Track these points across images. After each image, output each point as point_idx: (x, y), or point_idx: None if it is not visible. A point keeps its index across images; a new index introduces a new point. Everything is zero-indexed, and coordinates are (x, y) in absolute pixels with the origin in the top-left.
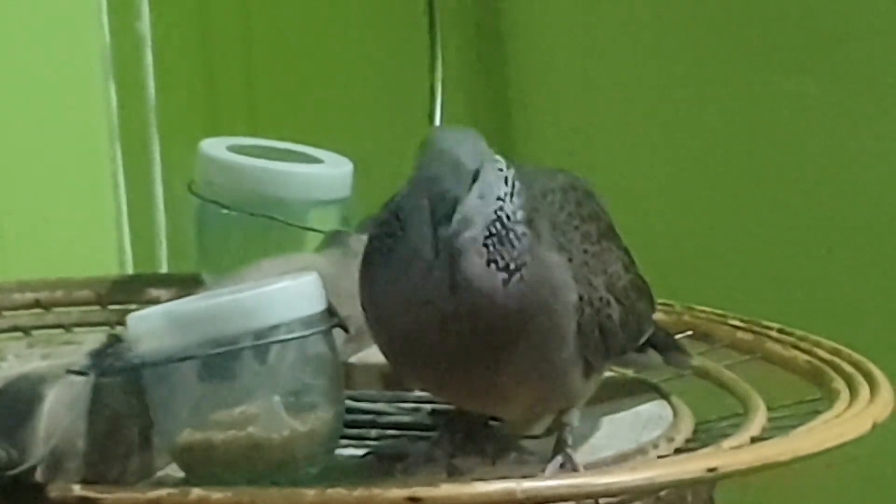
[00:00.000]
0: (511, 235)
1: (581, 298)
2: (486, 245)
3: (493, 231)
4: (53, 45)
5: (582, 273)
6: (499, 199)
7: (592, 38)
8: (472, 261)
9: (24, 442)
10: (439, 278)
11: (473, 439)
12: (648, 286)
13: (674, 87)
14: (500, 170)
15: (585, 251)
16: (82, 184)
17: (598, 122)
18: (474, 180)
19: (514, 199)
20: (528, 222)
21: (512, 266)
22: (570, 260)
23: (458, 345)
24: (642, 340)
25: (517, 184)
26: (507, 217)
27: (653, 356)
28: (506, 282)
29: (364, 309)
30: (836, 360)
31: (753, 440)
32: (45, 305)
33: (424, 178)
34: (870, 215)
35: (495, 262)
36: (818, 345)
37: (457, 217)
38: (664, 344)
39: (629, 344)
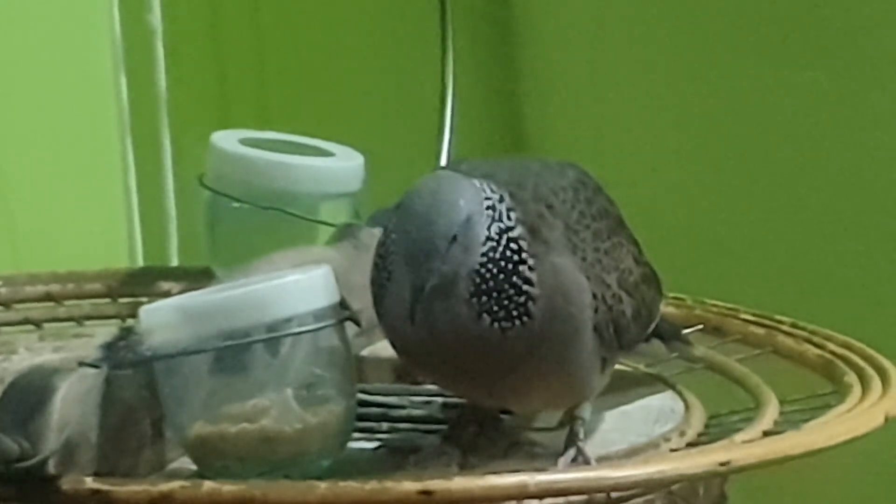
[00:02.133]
0: (515, 278)
1: (595, 297)
2: (476, 296)
3: (486, 277)
4: (64, 38)
5: (595, 272)
6: (487, 240)
7: (604, 32)
8: (456, 316)
9: (36, 434)
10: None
11: (485, 433)
12: (656, 273)
13: (685, 81)
14: (490, 208)
15: (597, 249)
16: (93, 177)
17: (610, 116)
18: (455, 240)
19: (515, 230)
20: (533, 232)
21: (514, 312)
22: (583, 259)
23: (470, 368)
24: (652, 328)
25: (513, 198)
26: (507, 259)
27: (656, 346)
28: (505, 330)
29: (375, 309)
30: (848, 353)
31: (765, 434)
32: (57, 298)
33: (400, 245)
34: (882, 209)
35: (489, 312)
36: (830, 339)
37: (428, 287)
38: (668, 333)
39: (640, 335)
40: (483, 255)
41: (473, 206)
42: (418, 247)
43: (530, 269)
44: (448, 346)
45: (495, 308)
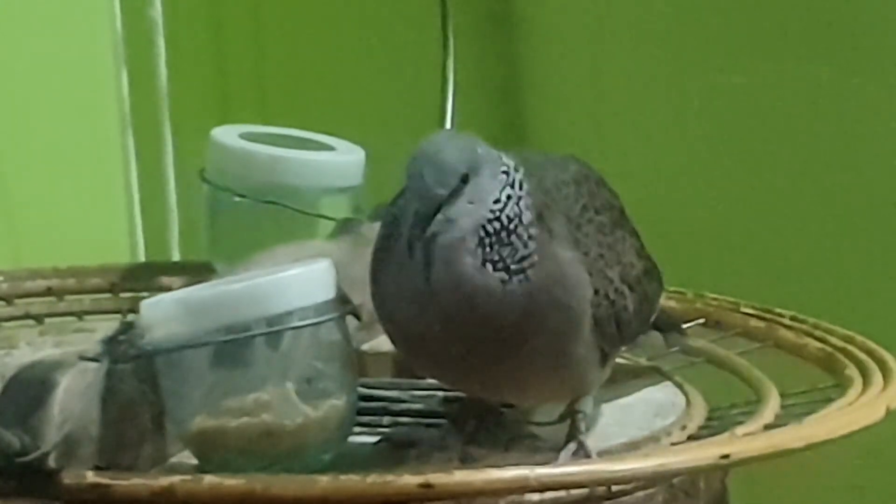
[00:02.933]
0: (514, 238)
1: (597, 293)
2: (480, 246)
3: (490, 232)
4: (65, 33)
5: (598, 267)
6: (496, 201)
7: (604, 26)
8: (461, 262)
9: (37, 428)
10: (423, 280)
11: (486, 426)
12: (656, 265)
13: (686, 75)
14: (505, 173)
15: (600, 244)
16: (94, 172)
17: (610, 110)
18: (464, 182)
19: (522, 200)
20: (540, 220)
21: (513, 267)
22: (586, 254)
23: (464, 342)
24: (652, 320)
25: (526, 183)
26: (510, 220)
27: (654, 336)
28: (505, 282)
29: (373, 303)
30: (849, 347)
31: (766, 427)
32: (58, 293)
33: (408, 180)
34: (883, 203)
35: (492, 262)
36: (831, 332)
37: (437, 219)
38: (665, 325)
39: (641, 328)
40: (492, 211)
41: (488, 161)
42: (427, 177)
43: (530, 237)
44: (445, 297)
45: (496, 258)
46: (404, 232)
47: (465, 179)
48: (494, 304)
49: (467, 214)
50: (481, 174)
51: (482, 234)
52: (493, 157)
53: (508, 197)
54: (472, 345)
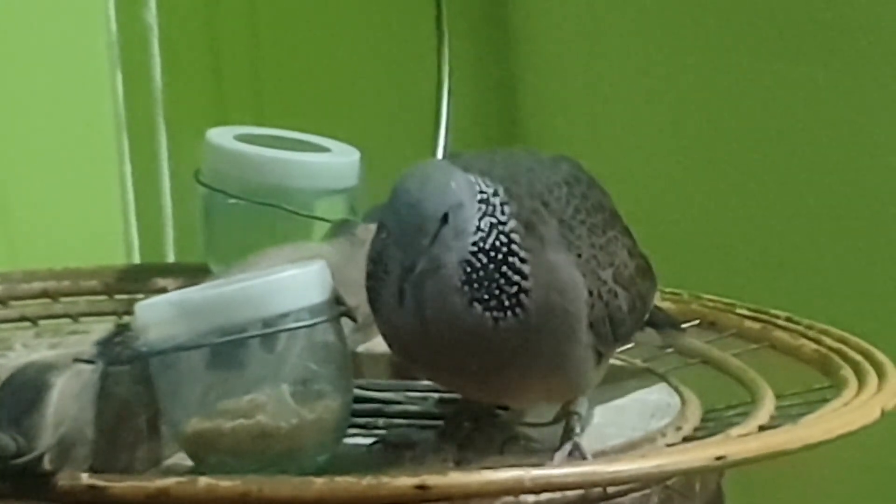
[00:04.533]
0: (505, 268)
1: (591, 294)
2: (467, 283)
3: (476, 266)
4: (60, 34)
5: (591, 268)
6: (477, 230)
7: (599, 25)
8: (450, 302)
9: (32, 430)
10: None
11: (481, 428)
12: (650, 263)
13: (681, 75)
14: (482, 201)
15: (593, 245)
16: (89, 173)
17: (605, 110)
18: (445, 222)
19: (507, 225)
20: (529, 227)
21: (507, 303)
22: (579, 256)
23: (462, 358)
24: (646, 318)
25: (508, 194)
26: (496, 249)
27: (650, 333)
28: (498, 320)
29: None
30: (844, 348)
31: (761, 428)
32: (53, 295)
33: (389, 228)
34: (878, 204)
35: (480, 300)
36: (826, 333)
37: (422, 263)
38: (661, 322)
39: (636, 327)
40: (474, 244)
41: (465, 195)
42: (408, 226)
43: (521, 260)
44: (440, 336)
45: (486, 297)
46: (392, 281)
47: (445, 219)
48: (487, 339)
49: (451, 251)
50: (462, 208)
51: (468, 269)
52: (470, 188)
53: (491, 225)
54: (468, 365)
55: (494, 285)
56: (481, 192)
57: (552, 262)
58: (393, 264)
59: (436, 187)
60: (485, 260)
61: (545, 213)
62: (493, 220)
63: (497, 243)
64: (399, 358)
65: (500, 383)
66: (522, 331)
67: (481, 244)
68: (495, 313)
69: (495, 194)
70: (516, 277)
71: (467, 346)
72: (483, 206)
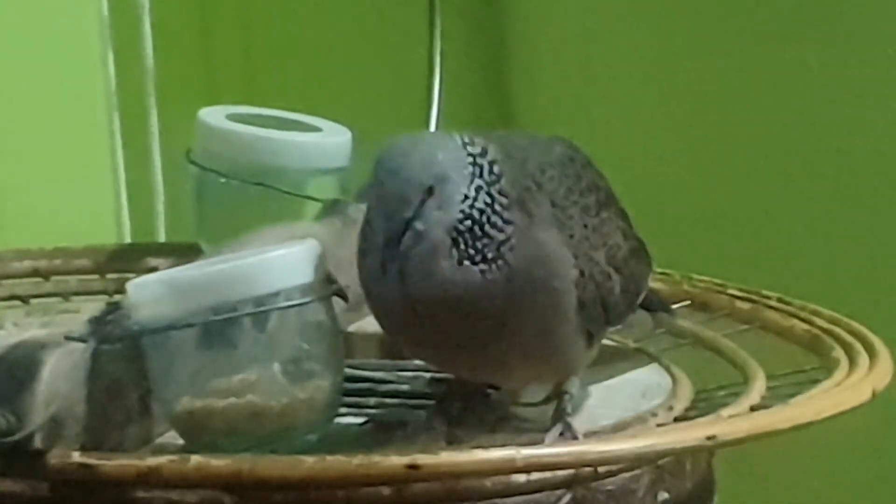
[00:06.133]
0: (488, 228)
1: (583, 275)
2: (455, 246)
3: (463, 230)
4: (51, 15)
5: (583, 249)
6: (465, 198)
7: (592, 5)
8: (437, 267)
9: (23, 409)
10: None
11: (473, 407)
12: (645, 245)
13: (674, 56)
14: (472, 164)
15: (586, 226)
16: (81, 153)
17: (597, 92)
18: (430, 194)
19: (495, 185)
20: (520, 203)
21: (490, 255)
22: (571, 236)
23: (450, 337)
24: (640, 300)
25: (501, 166)
26: (482, 212)
27: (642, 317)
28: (484, 272)
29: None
30: (835, 329)
31: (752, 409)
32: (44, 274)
33: (373, 198)
34: (869, 185)
35: (469, 258)
36: (817, 314)
37: (406, 236)
38: (654, 304)
39: (628, 309)
40: (461, 212)
41: (452, 164)
42: (391, 197)
43: (504, 220)
44: (425, 305)
45: (472, 252)
46: (376, 253)
47: (430, 192)
48: (476, 296)
49: (437, 222)
50: (448, 180)
51: (455, 234)
52: (458, 156)
53: (478, 188)
54: (457, 338)
55: (480, 243)
56: (470, 154)
57: (540, 238)
58: (376, 236)
59: (422, 158)
60: (470, 223)
61: (537, 192)
62: (481, 183)
63: (482, 205)
64: (389, 335)
65: (490, 360)
66: (508, 288)
67: (468, 210)
68: (481, 265)
69: (483, 154)
70: (496, 233)
71: (452, 309)
72: (472, 170)
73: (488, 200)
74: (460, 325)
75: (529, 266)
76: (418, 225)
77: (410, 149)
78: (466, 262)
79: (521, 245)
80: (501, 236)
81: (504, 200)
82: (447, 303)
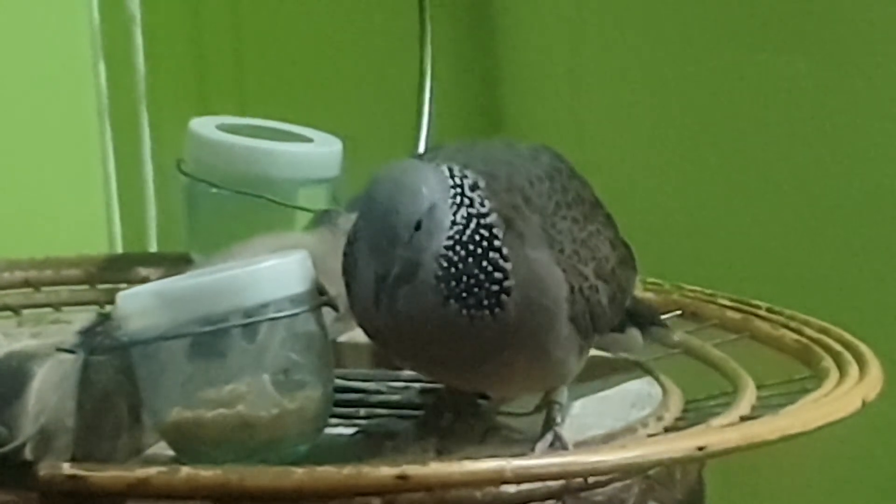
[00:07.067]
0: (485, 263)
1: (573, 290)
2: (443, 281)
3: (454, 260)
4: (43, 24)
5: (572, 264)
6: (453, 224)
7: (582, 16)
8: (424, 302)
9: (12, 420)
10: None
11: (462, 418)
12: (630, 249)
13: (664, 66)
14: (459, 192)
15: (574, 240)
16: (72, 163)
17: (588, 101)
18: (418, 228)
19: (488, 217)
20: (508, 223)
21: (486, 302)
22: (561, 251)
23: (443, 356)
24: (627, 303)
25: (486, 190)
26: (477, 243)
27: (634, 335)
28: (475, 318)
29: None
30: (825, 338)
31: (742, 419)
32: (35, 284)
33: (364, 237)
34: (859, 194)
35: (457, 297)
36: (807, 324)
37: (396, 270)
38: (645, 318)
39: (616, 317)
40: (449, 238)
41: (437, 194)
42: (381, 235)
43: (503, 258)
44: (415, 333)
45: (464, 294)
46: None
47: (419, 226)
48: (463, 340)
49: (425, 251)
50: (435, 209)
51: (444, 263)
52: (443, 184)
53: (468, 217)
54: (449, 362)
55: (473, 281)
56: (454, 186)
57: (532, 258)
58: (367, 271)
59: (408, 194)
60: (463, 253)
61: (525, 209)
62: (473, 212)
63: (476, 237)
64: (378, 347)
65: (480, 375)
66: (500, 329)
67: (458, 237)
68: (473, 311)
69: (474, 187)
70: (498, 275)
71: (442, 342)
72: (458, 198)
73: (485, 234)
74: (448, 353)
75: (522, 288)
76: (406, 254)
77: (397, 187)
78: (451, 302)
79: (514, 270)
80: (504, 283)
81: (496, 218)
82: (433, 335)
